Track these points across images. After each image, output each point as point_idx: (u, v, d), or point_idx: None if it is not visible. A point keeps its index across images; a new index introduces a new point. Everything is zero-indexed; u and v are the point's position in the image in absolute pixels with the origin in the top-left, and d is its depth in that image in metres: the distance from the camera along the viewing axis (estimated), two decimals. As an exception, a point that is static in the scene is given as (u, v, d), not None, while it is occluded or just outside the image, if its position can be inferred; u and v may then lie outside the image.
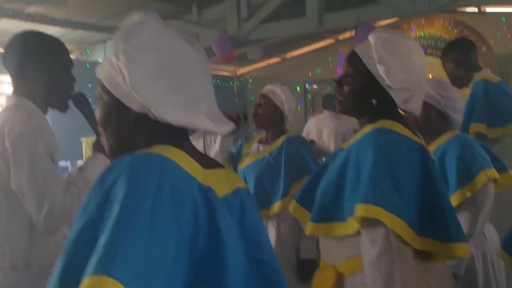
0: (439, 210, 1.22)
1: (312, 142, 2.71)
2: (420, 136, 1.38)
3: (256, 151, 2.52)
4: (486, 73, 2.66)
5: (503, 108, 2.51)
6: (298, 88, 6.74)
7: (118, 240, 0.66)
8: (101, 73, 0.88)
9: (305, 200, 1.39)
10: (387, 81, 1.28)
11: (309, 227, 1.33)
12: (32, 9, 4.36)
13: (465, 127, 2.33)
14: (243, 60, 6.27)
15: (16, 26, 4.24)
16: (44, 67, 1.55)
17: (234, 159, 2.55)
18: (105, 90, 0.87)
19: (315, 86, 6.74)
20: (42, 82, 1.55)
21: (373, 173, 1.19)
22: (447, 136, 1.97)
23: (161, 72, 0.82)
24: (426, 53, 5.75)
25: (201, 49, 0.89)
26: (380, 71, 1.29)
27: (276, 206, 2.35)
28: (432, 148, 1.96)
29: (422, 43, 5.88)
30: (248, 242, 0.84)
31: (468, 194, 1.85)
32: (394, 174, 1.19)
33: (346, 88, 1.37)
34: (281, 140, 2.45)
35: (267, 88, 2.54)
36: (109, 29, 4.90)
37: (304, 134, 4.14)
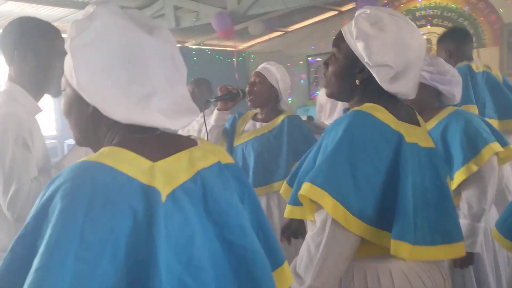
0: (395, 203, 1.13)
1: (310, 118, 2.68)
2: (418, 120, 1.29)
3: (253, 128, 2.50)
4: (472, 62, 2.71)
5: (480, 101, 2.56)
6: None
7: (49, 264, 0.66)
8: (65, 65, 0.86)
9: (293, 181, 1.33)
10: (366, 58, 1.20)
11: (286, 210, 1.29)
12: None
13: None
14: (245, 35, 6.16)
15: (20, 8, 4.15)
16: (37, 53, 1.55)
17: (228, 134, 2.54)
18: (67, 81, 0.87)
19: (319, 59, 6.62)
20: (33, 68, 1.55)
21: (332, 156, 1.13)
22: (447, 111, 1.96)
23: (108, 69, 0.79)
24: (432, 23, 5.61)
25: (163, 38, 0.85)
26: (359, 47, 1.21)
27: (277, 186, 2.36)
28: (432, 123, 1.93)
29: (427, 12, 5.72)
30: (215, 224, 0.84)
31: (475, 168, 1.85)
32: (355, 160, 1.12)
33: (330, 69, 1.31)
34: (280, 118, 2.45)
35: (263, 66, 2.51)
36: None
37: (317, 106, 4.08)
